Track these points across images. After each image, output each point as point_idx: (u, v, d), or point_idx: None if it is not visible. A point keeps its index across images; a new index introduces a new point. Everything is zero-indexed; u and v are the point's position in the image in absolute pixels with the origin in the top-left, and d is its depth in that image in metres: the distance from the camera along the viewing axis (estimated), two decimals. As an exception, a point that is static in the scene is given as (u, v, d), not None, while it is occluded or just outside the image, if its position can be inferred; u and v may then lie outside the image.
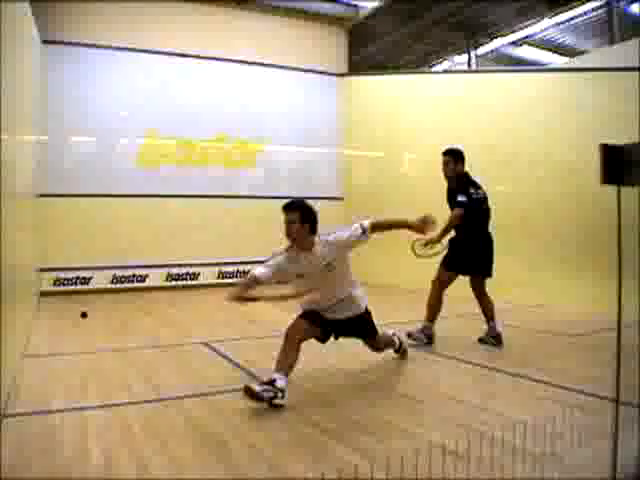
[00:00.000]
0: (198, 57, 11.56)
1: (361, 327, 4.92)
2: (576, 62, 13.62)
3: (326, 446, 3.39)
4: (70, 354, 5.86)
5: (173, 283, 11.22)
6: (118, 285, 10.86)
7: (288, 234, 4.48)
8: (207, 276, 11.46)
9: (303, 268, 4.52)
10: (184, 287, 11.23)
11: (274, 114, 12.10)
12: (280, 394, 4.03)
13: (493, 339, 6.15)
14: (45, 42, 9.86)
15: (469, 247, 6.17)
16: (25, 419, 3.87)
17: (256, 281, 4.47)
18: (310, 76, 12.71)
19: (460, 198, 6.07)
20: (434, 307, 6.27)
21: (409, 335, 6.11)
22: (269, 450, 3.33)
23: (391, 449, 3.25)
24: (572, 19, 14.14)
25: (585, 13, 13.87)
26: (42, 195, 9.51)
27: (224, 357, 5.67)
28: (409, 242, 5.97)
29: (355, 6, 12.95)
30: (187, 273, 11.36)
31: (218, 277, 11.47)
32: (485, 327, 6.28)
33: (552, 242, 9.15)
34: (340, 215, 11.47)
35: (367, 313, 4.91)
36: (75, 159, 10.57)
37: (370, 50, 15.72)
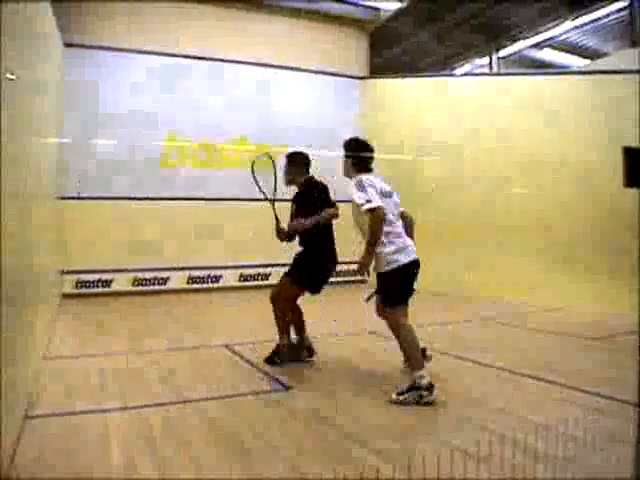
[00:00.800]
0: (219, 60, 11.62)
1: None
2: (598, 64, 13.48)
3: (347, 448, 3.36)
4: (91, 356, 5.89)
5: (194, 286, 11.25)
6: (139, 287, 10.91)
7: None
8: (228, 279, 11.46)
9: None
10: (205, 290, 11.25)
11: (295, 117, 12.10)
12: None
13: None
14: (66, 45, 9.94)
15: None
16: (47, 420, 3.88)
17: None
18: (331, 79, 12.73)
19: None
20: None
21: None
22: (289, 452, 3.31)
23: (412, 452, 3.21)
24: (594, 21, 13.98)
25: (607, 15, 13.70)
26: (63, 198, 9.59)
27: (245, 359, 5.66)
28: None
29: (377, 9, 12.91)
30: (208, 276, 11.39)
31: (239, 280, 11.49)
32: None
33: (569, 243, 9.05)
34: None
35: None
36: (96, 162, 10.65)
37: (391, 53, 15.66)
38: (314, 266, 5.39)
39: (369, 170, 5.04)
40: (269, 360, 5.45)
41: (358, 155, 5.19)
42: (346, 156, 5.17)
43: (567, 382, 4.70)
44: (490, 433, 3.49)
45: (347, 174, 5.12)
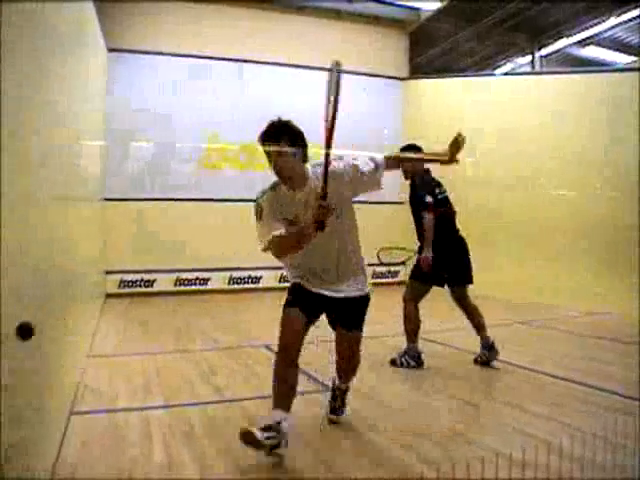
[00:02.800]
0: (260, 62, 11.69)
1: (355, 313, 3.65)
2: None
3: (388, 452, 3.34)
4: (134, 354, 5.98)
5: (235, 286, 11.34)
6: (181, 287, 11.05)
7: (281, 173, 3.39)
8: (268, 280, 11.52)
9: (298, 211, 3.33)
10: (246, 290, 11.33)
11: (337, 118, 12.07)
12: (284, 441, 3.18)
13: (487, 352, 5.44)
14: (109, 50, 10.12)
15: (439, 254, 5.36)
16: (91, 417, 3.96)
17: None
18: (371, 80, 12.69)
19: (427, 199, 5.39)
20: (413, 326, 5.48)
21: (393, 362, 5.46)
22: (330, 455, 3.31)
23: (455, 457, 3.18)
24: (639, 17, 13.65)
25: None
26: (107, 199, 9.76)
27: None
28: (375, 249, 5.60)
29: (416, 9, 12.84)
30: (249, 276, 11.47)
31: (279, 280, 11.52)
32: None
33: (611, 246, 8.84)
34: (401, 220, 11.37)
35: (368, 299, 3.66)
36: (139, 164, 10.82)
37: (432, 53, 15.56)
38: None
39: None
40: (392, 362, 5.47)
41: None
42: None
43: (612, 388, 4.59)
44: (534, 439, 3.44)
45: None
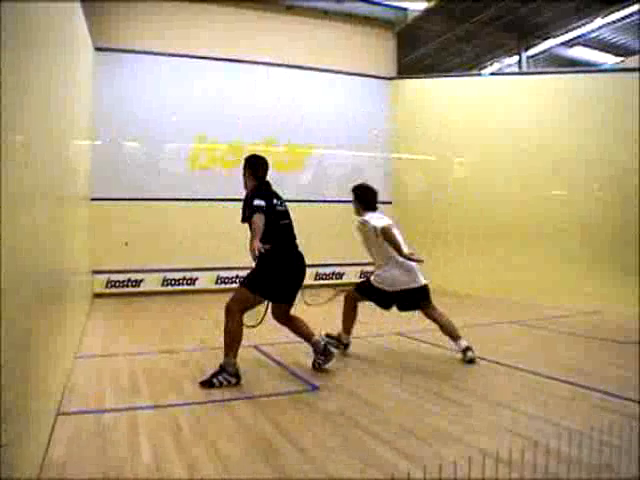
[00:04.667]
0: (247, 62, 11.67)
1: None
2: (629, 62, 13.29)
3: (375, 451, 3.35)
4: (122, 355, 5.96)
5: (223, 286, 11.32)
6: (168, 287, 11.02)
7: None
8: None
9: None
10: (234, 290, 11.27)
11: (323, 118, 12.12)
12: None
13: (323, 356, 5.24)
14: (96, 49, 10.08)
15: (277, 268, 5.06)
16: (78, 417, 3.94)
17: None
18: (359, 80, 12.72)
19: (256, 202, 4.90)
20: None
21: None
22: (317, 452, 3.32)
23: (442, 456, 3.19)
24: (626, 18, 13.75)
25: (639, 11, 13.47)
26: (94, 199, 9.72)
27: (274, 360, 5.68)
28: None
29: (404, 9, 12.87)
30: (237, 276, 11.44)
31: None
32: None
33: (605, 245, 8.92)
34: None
35: None
36: (126, 164, 10.80)
37: (420, 53, 15.60)
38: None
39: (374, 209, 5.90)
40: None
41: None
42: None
43: (600, 387, 4.63)
44: (522, 438, 3.46)
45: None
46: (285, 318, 5.34)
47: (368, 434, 3.62)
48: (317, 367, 5.25)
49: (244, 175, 5.32)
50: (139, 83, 10.97)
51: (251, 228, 4.94)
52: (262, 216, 4.84)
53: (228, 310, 5.14)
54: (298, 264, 5.19)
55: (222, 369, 4.82)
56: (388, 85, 13.01)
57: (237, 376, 4.84)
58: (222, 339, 4.81)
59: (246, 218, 4.99)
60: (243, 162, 5.32)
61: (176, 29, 11.17)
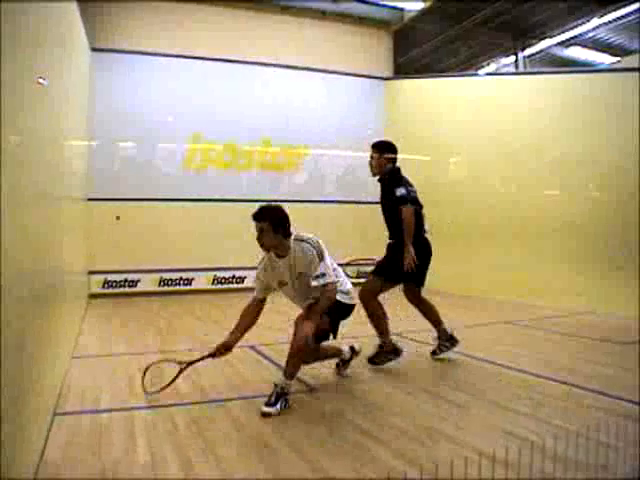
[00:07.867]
0: (243, 62, 11.66)
1: None
2: (626, 62, 13.30)
3: (371, 451, 3.35)
4: (118, 355, 5.96)
5: (219, 286, 11.32)
6: (165, 288, 11.01)
7: (260, 244, 4.54)
8: (252, 280, 11.48)
9: (283, 276, 4.59)
10: (230, 290, 11.30)
11: (319, 118, 12.11)
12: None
13: (448, 342, 5.61)
14: (93, 49, 10.07)
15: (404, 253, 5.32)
16: (74, 418, 3.93)
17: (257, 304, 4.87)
18: (355, 80, 12.72)
19: (402, 192, 5.37)
20: (379, 320, 5.43)
21: (371, 361, 5.36)
22: (313, 453, 3.32)
23: (438, 456, 3.20)
24: (622, 18, 13.77)
25: (637, 11, 13.48)
26: (90, 199, 9.70)
27: (270, 360, 5.68)
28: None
29: (400, 9, 12.88)
30: (233, 276, 11.45)
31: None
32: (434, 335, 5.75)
33: (599, 246, 8.92)
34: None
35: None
36: (122, 164, 10.79)
37: (416, 53, 15.60)
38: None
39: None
40: (371, 360, 5.36)
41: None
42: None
43: (595, 387, 4.63)
44: (517, 438, 3.47)
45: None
46: (417, 300, 5.66)
47: (364, 434, 3.62)
48: (437, 353, 5.60)
49: (375, 159, 5.73)
50: (135, 83, 10.93)
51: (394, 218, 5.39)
52: (411, 209, 5.33)
53: (363, 299, 5.39)
54: (428, 250, 5.54)
55: (381, 349, 5.32)
56: (384, 85, 13.02)
57: (395, 351, 5.31)
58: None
59: (390, 207, 5.45)
60: (372, 148, 5.76)
61: (172, 30, 11.15)
